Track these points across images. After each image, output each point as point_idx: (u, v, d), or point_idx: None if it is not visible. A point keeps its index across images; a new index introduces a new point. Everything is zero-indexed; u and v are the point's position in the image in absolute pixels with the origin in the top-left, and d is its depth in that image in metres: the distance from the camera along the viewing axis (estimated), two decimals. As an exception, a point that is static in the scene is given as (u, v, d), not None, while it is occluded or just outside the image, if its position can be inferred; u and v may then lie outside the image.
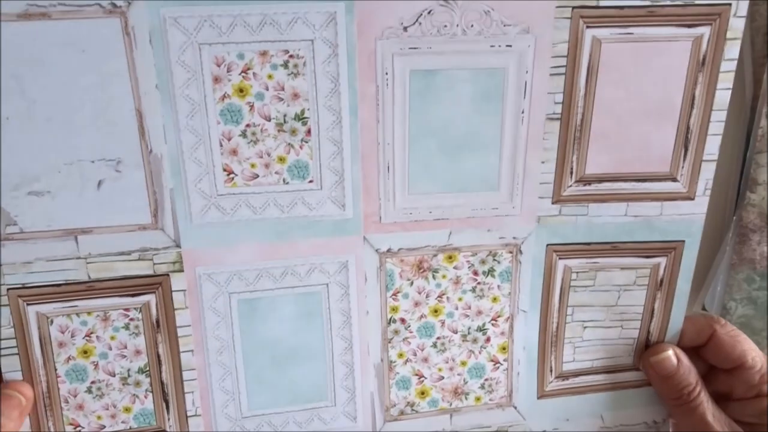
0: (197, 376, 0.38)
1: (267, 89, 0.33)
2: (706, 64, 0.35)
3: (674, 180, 0.38)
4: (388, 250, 0.38)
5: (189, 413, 0.39)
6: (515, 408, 0.43)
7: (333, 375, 0.40)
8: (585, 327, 0.41)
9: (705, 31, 0.35)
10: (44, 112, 0.31)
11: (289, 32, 0.32)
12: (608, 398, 0.43)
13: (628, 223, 0.39)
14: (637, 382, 0.43)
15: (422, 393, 0.41)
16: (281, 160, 0.35)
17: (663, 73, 0.35)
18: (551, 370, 0.42)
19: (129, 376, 0.37)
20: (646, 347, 0.42)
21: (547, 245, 0.39)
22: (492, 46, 0.34)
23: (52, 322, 0.35)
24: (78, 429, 0.37)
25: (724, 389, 0.41)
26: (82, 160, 0.33)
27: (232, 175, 0.35)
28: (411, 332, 0.40)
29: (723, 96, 0.36)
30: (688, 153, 0.37)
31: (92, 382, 0.37)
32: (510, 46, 0.34)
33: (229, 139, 0.34)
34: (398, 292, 0.39)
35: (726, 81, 0.36)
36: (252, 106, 0.34)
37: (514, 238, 0.38)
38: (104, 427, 0.38)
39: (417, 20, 0.33)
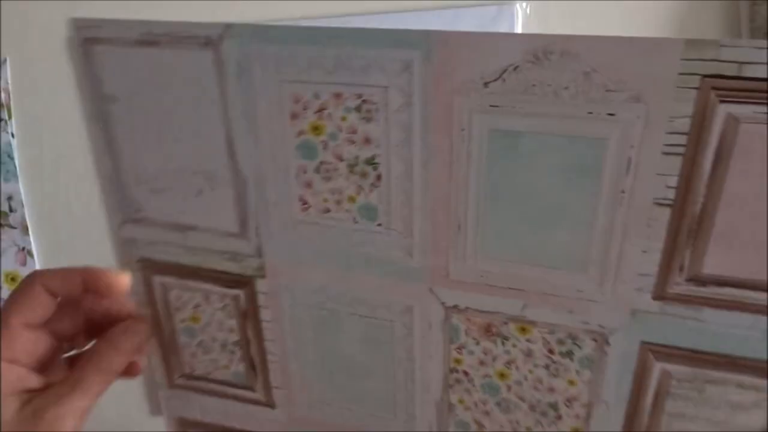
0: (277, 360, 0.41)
1: (340, 131, 0.33)
2: None
3: (830, 304, 0.28)
4: (455, 306, 0.36)
5: (273, 385, 0.42)
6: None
7: (394, 401, 0.40)
8: (683, 439, 0.35)
9: None
10: (154, 126, 0.36)
11: (363, 76, 0.31)
12: None
13: (754, 337, 0.30)
14: None
15: (481, 438, 0.39)
16: (351, 199, 0.34)
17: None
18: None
19: (226, 345, 0.42)
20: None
21: (642, 342, 0.33)
22: (590, 112, 0.28)
23: (169, 291, 0.41)
24: (191, 371, 0.44)
25: None
26: (185, 170, 0.36)
27: (307, 205, 0.35)
28: (474, 386, 0.38)
29: None
30: None
31: (200, 341, 0.42)
32: (613, 114, 0.28)
33: (305, 173, 0.34)
34: (462, 347, 0.37)
35: None
36: (326, 145, 0.33)
37: (600, 326, 0.33)
38: (210, 373, 0.44)
39: (500, 76, 0.29)
